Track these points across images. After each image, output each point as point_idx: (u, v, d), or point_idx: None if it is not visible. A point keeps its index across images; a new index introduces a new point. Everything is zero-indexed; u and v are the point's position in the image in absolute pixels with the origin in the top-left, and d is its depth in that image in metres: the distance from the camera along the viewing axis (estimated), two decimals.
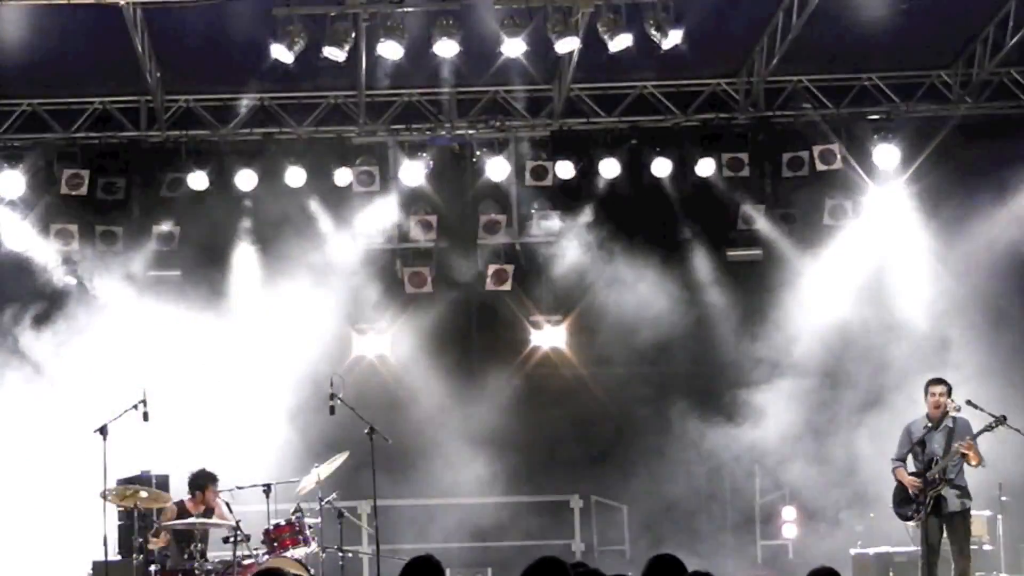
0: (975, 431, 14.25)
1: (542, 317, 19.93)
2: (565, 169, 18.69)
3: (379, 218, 19.07)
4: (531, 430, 19.38)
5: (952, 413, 14.56)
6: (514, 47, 16.13)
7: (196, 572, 14.54)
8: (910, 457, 14.54)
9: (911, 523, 14.80)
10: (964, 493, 14.46)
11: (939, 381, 14.65)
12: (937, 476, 14.34)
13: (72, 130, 18.38)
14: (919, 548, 15.46)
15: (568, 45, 16.29)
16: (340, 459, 15.44)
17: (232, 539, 14.58)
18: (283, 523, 14.96)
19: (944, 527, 14.44)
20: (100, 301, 18.69)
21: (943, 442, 14.42)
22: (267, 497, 15.19)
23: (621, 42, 16.13)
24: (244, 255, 19.00)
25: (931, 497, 14.33)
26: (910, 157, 18.75)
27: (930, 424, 14.49)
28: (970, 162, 18.94)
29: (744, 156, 18.73)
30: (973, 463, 14.30)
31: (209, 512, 15.10)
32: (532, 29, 15.97)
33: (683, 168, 18.76)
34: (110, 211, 18.60)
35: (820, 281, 19.18)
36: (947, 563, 14.52)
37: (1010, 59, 18.16)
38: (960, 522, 14.46)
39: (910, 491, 14.48)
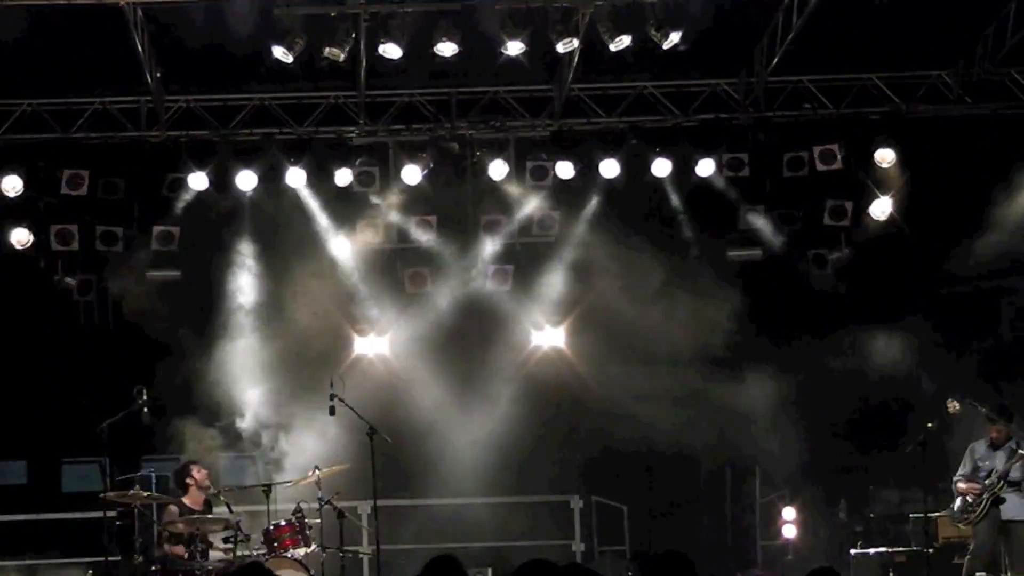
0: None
1: (542, 317, 19.93)
2: (565, 169, 18.68)
3: (379, 218, 19.07)
4: (531, 430, 19.37)
5: (951, 410, 14.74)
6: (514, 47, 16.12)
7: (196, 572, 14.54)
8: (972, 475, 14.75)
9: (965, 525, 14.92)
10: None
11: (1000, 415, 14.79)
12: (996, 479, 14.46)
13: (72, 130, 18.35)
14: (921, 548, 15.54)
15: (568, 45, 16.29)
16: (339, 468, 15.49)
17: (232, 539, 14.59)
18: (283, 523, 14.97)
19: (1001, 535, 14.56)
20: (100, 301, 18.71)
21: (1004, 459, 14.56)
22: (267, 497, 15.21)
23: (621, 42, 16.12)
24: (244, 255, 19.00)
25: (988, 498, 14.46)
26: (910, 158, 18.75)
27: (992, 445, 14.67)
28: (970, 162, 18.95)
29: (744, 156, 18.72)
30: None
31: (208, 507, 15.09)
32: (532, 29, 15.97)
33: (683, 168, 18.76)
34: (110, 211, 18.58)
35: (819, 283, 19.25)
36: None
37: (1010, 59, 18.15)
38: (1018, 528, 14.55)
39: (969, 497, 14.63)
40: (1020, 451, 14.49)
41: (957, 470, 15.07)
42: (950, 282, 19.39)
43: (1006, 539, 14.65)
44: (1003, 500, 14.51)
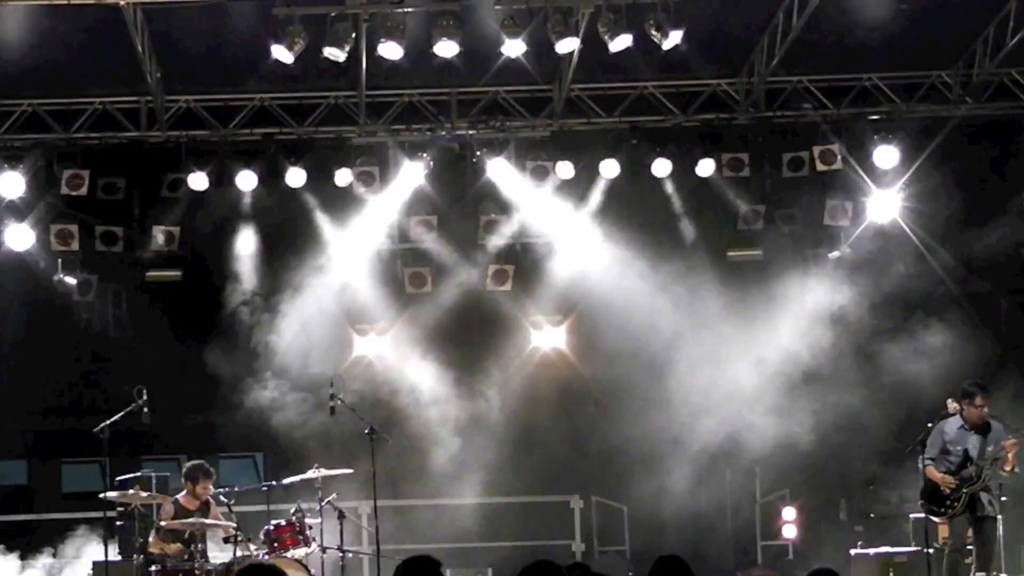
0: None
1: (542, 317, 19.94)
2: (565, 169, 18.68)
3: (379, 218, 19.07)
4: (531, 430, 19.38)
5: (951, 410, 14.72)
6: (514, 47, 16.12)
7: (196, 572, 14.53)
8: (940, 457, 14.66)
9: (939, 519, 14.84)
10: (997, 499, 14.55)
11: (983, 389, 14.67)
12: (974, 475, 14.40)
13: (72, 130, 18.34)
14: (921, 548, 15.51)
15: (568, 45, 16.29)
16: (342, 472, 15.49)
17: (232, 539, 14.58)
18: (283, 523, 14.96)
19: (972, 527, 14.54)
20: (99, 301, 18.72)
21: (978, 444, 14.48)
22: (267, 497, 15.21)
23: (621, 42, 16.12)
24: (244, 255, 19.01)
25: (967, 495, 14.42)
26: (910, 158, 18.75)
27: (965, 426, 14.57)
28: (970, 162, 18.95)
29: (744, 156, 18.73)
30: (1007, 468, 14.35)
31: (205, 508, 15.09)
32: (532, 29, 15.97)
33: (683, 168, 18.76)
34: (110, 211, 18.59)
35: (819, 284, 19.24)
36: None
37: (1010, 59, 18.14)
38: (990, 525, 14.55)
39: (943, 489, 14.52)
40: (998, 444, 14.36)
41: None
42: (950, 282, 19.37)
43: (976, 532, 14.61)
44: (980, 502, 14.49)
